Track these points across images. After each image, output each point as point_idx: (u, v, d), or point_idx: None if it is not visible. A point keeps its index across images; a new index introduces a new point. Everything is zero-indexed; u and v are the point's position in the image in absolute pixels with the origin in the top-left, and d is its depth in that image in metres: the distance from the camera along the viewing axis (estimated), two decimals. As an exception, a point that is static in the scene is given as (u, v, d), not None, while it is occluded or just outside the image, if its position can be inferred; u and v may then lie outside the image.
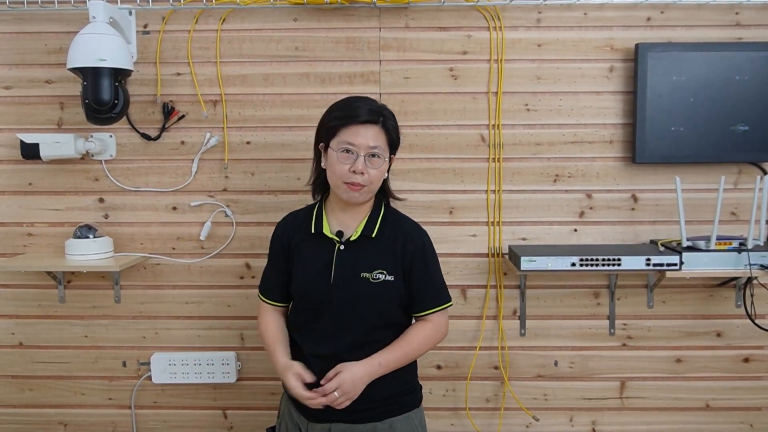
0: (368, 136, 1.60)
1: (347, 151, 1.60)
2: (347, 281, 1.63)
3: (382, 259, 1.66)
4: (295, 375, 1.62)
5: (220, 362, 2.29)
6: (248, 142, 2.26)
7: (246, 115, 2.25)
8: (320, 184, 1.76)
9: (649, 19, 2.20)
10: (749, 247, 2.00)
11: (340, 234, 1.67)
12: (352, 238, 1.66)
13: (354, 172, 1.59)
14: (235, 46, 2.24)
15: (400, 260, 1.67)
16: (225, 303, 2.30)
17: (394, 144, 1.69)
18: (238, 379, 2.31)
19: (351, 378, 1.57)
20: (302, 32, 2.23)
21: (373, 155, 1.61)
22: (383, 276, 1.64)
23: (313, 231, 1.68)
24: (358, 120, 1.60)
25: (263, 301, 1.79)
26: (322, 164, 1.68)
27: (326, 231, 1.67)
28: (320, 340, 1.65)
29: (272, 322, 1.76)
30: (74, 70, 2.03)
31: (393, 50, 2.22)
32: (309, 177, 1.78)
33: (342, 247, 1.66)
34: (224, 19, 2.23)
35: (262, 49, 2.23)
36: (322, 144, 1.67)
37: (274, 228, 1.77)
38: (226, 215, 2.27)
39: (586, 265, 2.00)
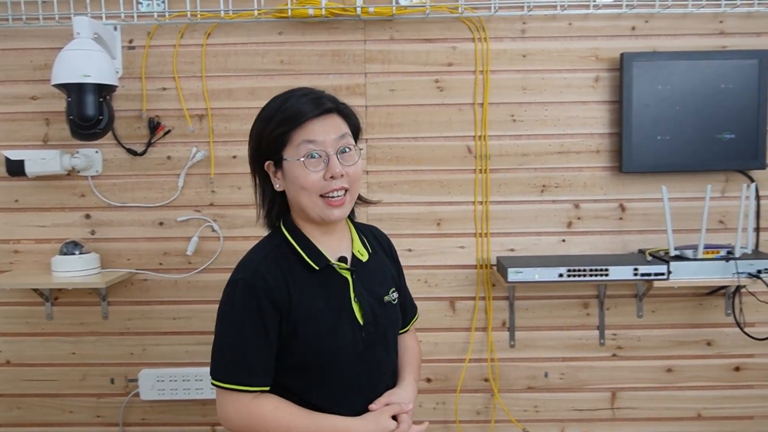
0: (332, 129, 1.26)
1: (313, 155, 1.24)
2: (376, 315, 1.32)
3: (388, 275, 1.42)
4: (387, 422, 1.30)
5: (209, 378, 2.25)
6: (234, 156, 2.25)
7: (232, 129, 2.24)
8: (276, 214, 1.36)
9: (633, 28, 2.21)
10: (737, 255, 2.00)
11: (343, 260, 1.33)
12: (364, 260, 1.36)
13: (333, 177, 1.24)
14: (220, 61, 2.23)
15: (396, 271, 1.47)
16: (213, 318, 2.27)
17: (357, 131, 1.34)
18: (226, 395, 2.29)
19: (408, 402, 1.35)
20: (287, 46, 2.23)
21: (344, 150, 1.27)
22: (395, 294, 1.40)
23: (317, 267, 1.28)
24: (315, 113, 1.24)
25: (245, 391, 1.25)
26: (277, 186, 1.30)
27: (332, 263, 1.31)
28: (352, 401, 1.31)
29: (282, 403, 1.28)
30: (59, 86, 2.02)
31: (378, 62, 2.22)
32: (258, 212, 1.38)
33: (354, 276, 1.32)
34: (209, 34, 2.23)
35: (248, 62, 2.23)
36: (269, 163, 1.30)
37: (233, 285, 1.28)
38: (213, 230, 2.26)
39: (574, 275, 1.99)
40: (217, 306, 2.22)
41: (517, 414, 2.29)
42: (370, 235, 1.46)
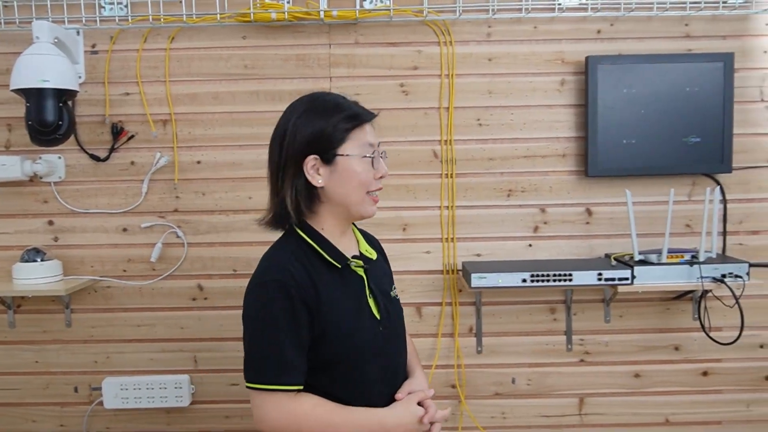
0: (375, 134, 1.37)
1: (374, 155, 1.33)
2: (388, 310, 1.39)
3: (387, 272, 1.51)
4: (415, 408, 1.36)
5: (173, 386, 2.24)
6: (198, 162, 2.23)
7: (196, 134, 2.22)
8: (302, 209, 1.34)
9: (599, 31, 2.20)
10: (701, 259, 1.98)
11: (356, 258, 1.40)
12: (374, 258, 1.44)
13: (381, 177, 1.35)
14: (184, 65, 2.21)
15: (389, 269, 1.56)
16: (177, 325, 2.26)
17: None
18: (191, 403, 2.26)
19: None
20: (251, 50, 2.21)
21: (383, 155, 1.39)
22: (395, 290, 1.48)
23: (339, 265, 1.33)
24: (368, 118, 1.35)
25: (286, 390, 1.26)
26: (318, 181, 1.31)
27: (350, 260, 1.37)
28: (375, 394, 1.35)
29: (319, 400, 1.30)
30: (17, 91, 2.00)
31: (343, 66, 2.21)
32: (281, 203, 1.33)
33: (366, 274, 1.39)
34: (173, 38, 2.20)
35: (212, 67, 2.21)
36: (313, 157, 1.30)
37: (265, 286, 1.28)
38: (177, 236, 2.24)
39: (537, 281, 1.97)
40: (181, 313, 2.24)
41: (484, 421, 2.27)
42: (364, 236, 1.52)
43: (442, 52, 2.20)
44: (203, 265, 2.25)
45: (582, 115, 2.19)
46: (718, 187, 2.10)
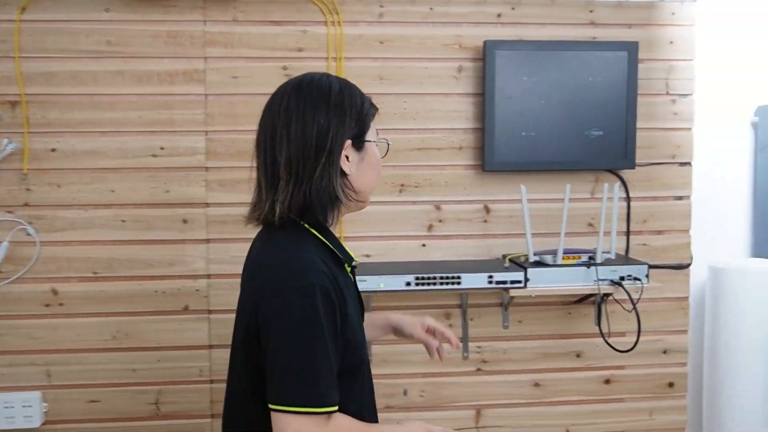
0: None
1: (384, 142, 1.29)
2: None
3: None
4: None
5: (21, 404, 1.98)
6: (53, 150, 1.98)
7: (50, 118, 1.98)
8: (341, 199, 1.18)
9: (499, 15, 2.05)
10: (598, 260, 1.86)
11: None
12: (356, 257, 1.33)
13: None
14: (37, 40, 1.96)
15: None
16: (28, 335, 2.00)
17: None
18: (43, 423, 2.01)
19: None
20: (115, 24, 1.98)
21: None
22: None
23: (349, 265, 1.24)
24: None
25: (329, 412, 1.07)
26: (352, 168, 1.17)
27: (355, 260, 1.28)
28: (370, 402, 1.27)
29: (346, 416, 1.14)
30: None
31: (219, 46, 2.00)
32: (314, 193, 1.13)
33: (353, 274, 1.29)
34: (24, 8, 1.95)
35: (70, 42, 1.97)
36: (349, 141, 1.16)
37: (310, 291, 1.06)
38: (28, 233, 1.98)
39: (423, 284, 1.80)
40: (32, 321, 1.98)
41: (374, 436, 2.10)
42: None
43: (329, 33, 2.02)
44: (58, 267, 2.00)
45: (480, 105, 2.04)
46: (619, 183, 1.98)
